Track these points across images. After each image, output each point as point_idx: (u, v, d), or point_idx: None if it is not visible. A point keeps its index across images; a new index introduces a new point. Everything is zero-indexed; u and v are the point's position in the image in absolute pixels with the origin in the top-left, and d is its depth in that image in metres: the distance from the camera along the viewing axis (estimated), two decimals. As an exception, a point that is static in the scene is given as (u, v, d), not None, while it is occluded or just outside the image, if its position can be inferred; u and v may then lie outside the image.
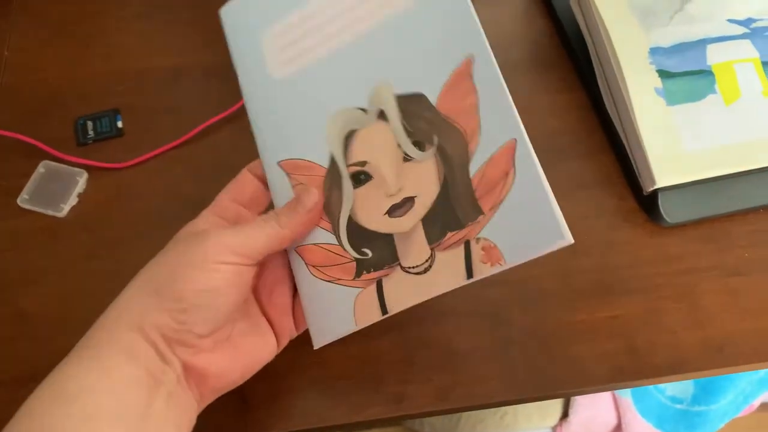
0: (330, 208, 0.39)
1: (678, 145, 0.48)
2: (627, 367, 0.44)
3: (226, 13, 0.44)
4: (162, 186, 0.50)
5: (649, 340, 0.45)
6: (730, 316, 0.46)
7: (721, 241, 0.49)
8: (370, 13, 0.39)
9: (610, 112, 0.52)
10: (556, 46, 0.57)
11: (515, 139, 0.34)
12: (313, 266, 0.39)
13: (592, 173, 0.51)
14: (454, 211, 0.36)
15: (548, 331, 0.45)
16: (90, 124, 0.53)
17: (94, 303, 0.45)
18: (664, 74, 0.49)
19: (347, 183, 0.38)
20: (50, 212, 0.49)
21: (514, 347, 0.44)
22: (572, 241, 0.32)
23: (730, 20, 0.51)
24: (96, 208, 0.49)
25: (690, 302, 0.46)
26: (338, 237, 0.39)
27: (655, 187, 0.47)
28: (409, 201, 0.37)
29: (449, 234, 0.36)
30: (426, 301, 0.36)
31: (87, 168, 0.51)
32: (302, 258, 0.39)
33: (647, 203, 0.49)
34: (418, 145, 0.37)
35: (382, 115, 0.38)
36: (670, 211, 0.48)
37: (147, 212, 0.49)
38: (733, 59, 0.50)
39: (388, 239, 0.37)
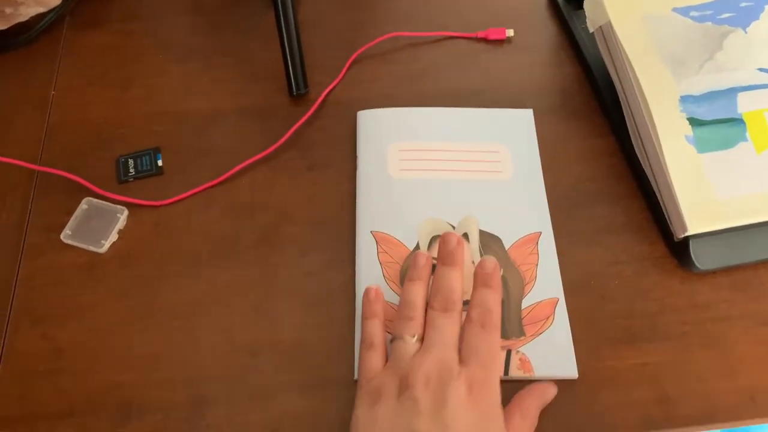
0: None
1: (709, 193, 0.48)
2: (657, 415, 0.44)
3: (362, 116, 0.56)
4: (199, 225, 0.52)
5: (679, 388, 0.45)
6: (763, 365, 0.45)
7: (754, 289, 0.48)
8: (478, 171, 0.53)
9: (640, 158, 0.52)
10: (585, 93, 0.58)
11: (558, 298, 0.48)
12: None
13: (622, 218, 0.52)
14: (504, 324, 0.46)
15: (576, 377, 0.45)
16: (131, 162, 0.54)
17: (125, 341, 0.47)
18: (694, 122, 0.50)
19: None
20: (91, 248, 0.50)
21: (542, 393, 0.45)
22: (577, 376, 0.45)
23: (760, 69, 0.51)
24: (134, 245, 0.51)
25: (721, 350, 0.46)
26: None
27: (687, 234, 0.48)
28: None
29: None
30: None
31: (127, 205, 0.52)
32: None
33: (678, 249, 0.49)
34: None
35: (465, 236, 0.50)
36: (701, 257, 0.48)
37: (182, 251, 0.50)
38: (763, 108, 0.50)
39: None
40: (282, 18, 0.56)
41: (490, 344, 0.42)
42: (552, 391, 0.44)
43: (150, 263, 0.50)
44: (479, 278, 0.45)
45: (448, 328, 0.43)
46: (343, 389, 0.44)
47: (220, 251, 0.50)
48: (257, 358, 0.46)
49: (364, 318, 0.45)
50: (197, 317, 0.48)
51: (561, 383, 0.45)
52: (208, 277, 0.49)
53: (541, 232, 0.50)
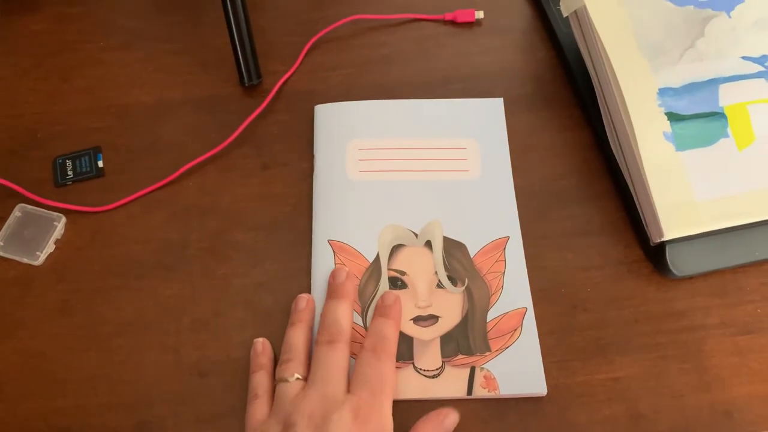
0: (363, 295, 0.45)
1: (688, 195, 0.45)
2: (629, 434, 0.42)
3: (320, 110, 0.52)
4: (144, 231, 0.48)
5: (652, 404, 0.42)
6: (739, 378, 0.43)
7: (732, 296, 0.46)
8: (443, 171, 0.50)
9: (616, 154, 0.49)
10: (559, 81, 0.54)
11: (526, 308, 0.45)
12: None
13: (595, 220, 0.49)
14: (468, 340, 0.44)
15: (545, 394, 0.42)
16: (69, 163, 0.50)
17: (63, 363, 0.43)
18: (673, 117, 0.46)
19: (384, 281, 0.46)
20: (25, 260, 0.47)
21: (508, 412, 0.42)
22: (546, 393, 0.42)
23: (744, 57, 0.48)
24: (73, 256, 0.47)
25: (696, 363, 0.44)
26: (364, 320, 0.44)
27: (663, 239, 0.45)
28: (433, 318, 0.44)
29: (460, 356, 0.43)
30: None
31: (65, 211, 0.48)
32: None
33: (654, 254, 0.46)
34: (452, 280, 0.46)
35: (428, 244, 0.47)
36: (678, 263, 0.45)
37: (125, 261, 0.47)
38: (747, 100, 0.47)
39: (407, 339, 0.44)
40: (228, 0, 0.51)
41: (381, 371, 0.40)
42: (452, 418, 0.41)
43: (90, 276, 0.46)
44: (378, 309, 0.44)
45: (332, 360, 0.40)
46: (296, 413, 0.42)
47: (166, 261, 0.47)
48: (206, 379, 0.43)
49: (250, 372, 0.42)
50: (141, 334, 0.44)
51: (528, 401, 0.42)
52: (153, 290, 0.46)
53: (508, 237, 0.47)
